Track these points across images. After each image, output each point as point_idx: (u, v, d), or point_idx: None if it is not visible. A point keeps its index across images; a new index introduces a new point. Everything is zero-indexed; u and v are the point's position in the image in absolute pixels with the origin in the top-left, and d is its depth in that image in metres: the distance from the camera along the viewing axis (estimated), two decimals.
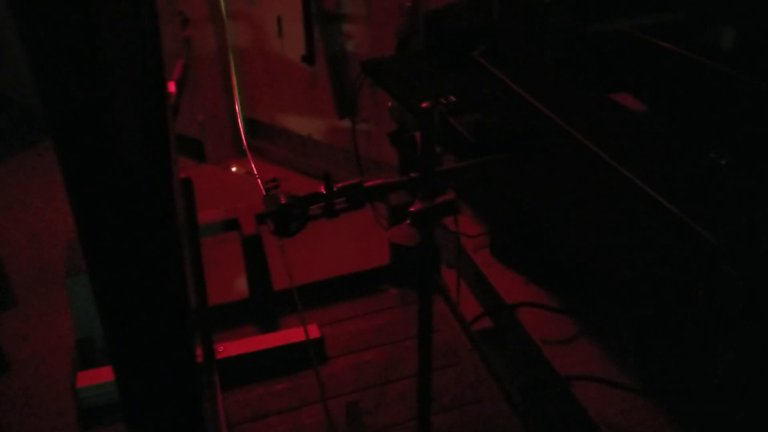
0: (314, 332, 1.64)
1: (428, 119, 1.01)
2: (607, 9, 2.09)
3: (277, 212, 0.99)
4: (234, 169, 1.19)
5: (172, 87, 1.58)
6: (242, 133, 1.54)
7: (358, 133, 3.49)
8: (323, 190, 1.04)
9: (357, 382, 1.55)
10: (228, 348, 1.60)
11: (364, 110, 3.42)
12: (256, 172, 1.16)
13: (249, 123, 3.92)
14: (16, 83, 4.25)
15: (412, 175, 1.07)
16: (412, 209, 1.03)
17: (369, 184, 1.06)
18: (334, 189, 1.04)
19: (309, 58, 3.45)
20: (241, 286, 1.78)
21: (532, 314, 1.55)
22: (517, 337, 1.55)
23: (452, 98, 1.81)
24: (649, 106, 1.92)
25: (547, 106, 1.85)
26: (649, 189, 1.41)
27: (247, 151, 1.23)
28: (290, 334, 1.67)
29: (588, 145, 1.68)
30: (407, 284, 1.76)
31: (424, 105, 1.02)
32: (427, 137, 1.03)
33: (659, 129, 1.77)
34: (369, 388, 1.52)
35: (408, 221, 1.01)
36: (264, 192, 1.06)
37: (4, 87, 4.44)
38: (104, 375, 1.74)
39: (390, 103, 1.40)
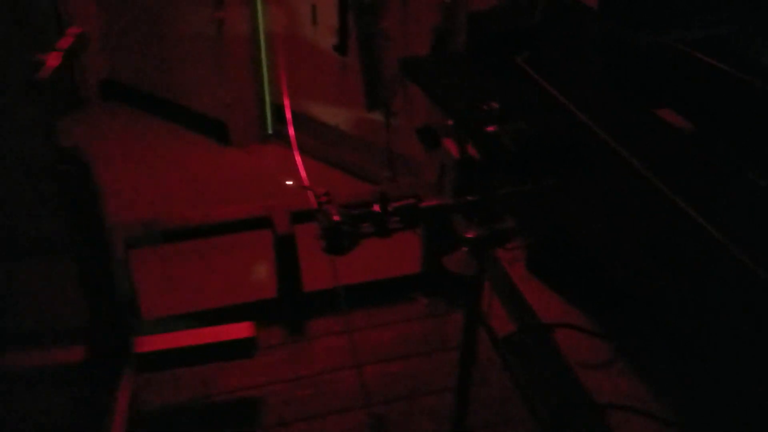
0: (246, 331, 1.58)
1: (493, 143, 0.97)
2: (659, 21, 2.04)
3: (329, 230, 0.96)
4: (289, 183, 1.15)
5: (54, 58, 1.50)
6: (292, 137, 1.49)
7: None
8: (377, 209, 1.01)
9: (384, 393, 1.52)
10: (152, 342, 1.53)
11: (395, 104, 3.38)
12: (306, 183, 1.12)
13: (275, 109, 3.89)
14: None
15: (469, 198, 1.03)
16: (469, 235, 0.99)
17: (424, 204, 1.02)
18: (389, 208, 1.00)
19: (341, 47, 3.40)
20: (269, 285, 1.76)
21: (568, 336, 1.51)
22: (551, 357, 1.52)
23: (495, 104, 1.76)
24: (692, 124, 1.87)
25: (590, 118, 1.80)
26: (692, 211, 1.37)
27: (298, 158, 1.19)
28: (221, 332, 1.59)
29: (632, 162, 1.63)
30: (438, 294, 1.72)
31: (490, 129, 0.97)
32: (488, 160, 0.99)
33: (703, 147, 1.72)
34: (396, 400, 1.49)
35: (464, 248, 0.98)
36: (316, 205, 1.02)
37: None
38: None
39: (450, 122, 1.35)
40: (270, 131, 3.92)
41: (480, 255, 1.02)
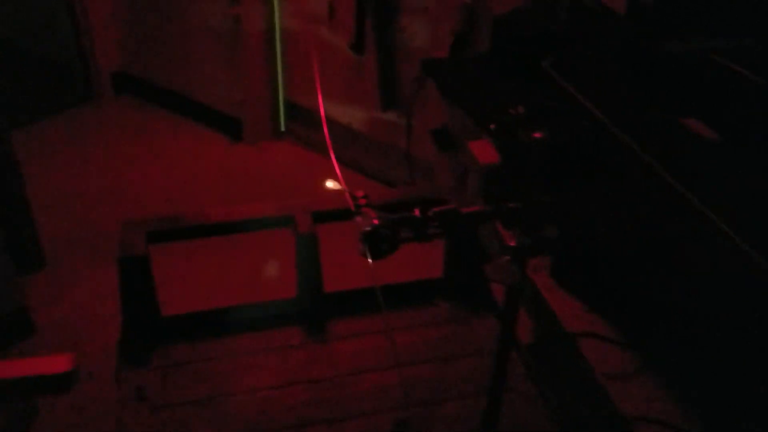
0: (64, 364, 1.42)
1: (538, 149, 0.95)
2: (688, 28, 2.03)
3: (369, 234, 0.94)
4: (329, 184, 1.13)
5: None
6: (329, 144, 1.47)
7: (399, 126, 3.43)
8: (417, 213, 0.99)
9: (405, 398, 1.50)
10: None
11: (406, 103, 3.36)
12: (345, 186, 1.10)
13: (289, 106, 3.87)
14: (56, 44, 4.21)
15: (511, 205, 1.01)
16: (512, 243, 0.97)
17: (465, 210, 1.00)
18: (429, 213, 0.98)
19: (358, 46, 3.39)
20: (289, 284, 1.74)
21: (594, 345, 1.49)
22: (576, 367, 1.50)
23: (521, 109, 1.74)
24: (719, 134, 1.85)
25: (617, 125, 1.79)
26: (720, 222, 1.35)
27: (336, 165, 1.17)
28: (39, 364, 1.47)
29: (660, 171, 1.62)
30: (460, 299, 1.70)
31: (536, 135, 0.96)
32: (532, 166, 0.97)
33: (730, 158, 1.70)
34: (419, 405, 1.47)
35: (506, 257, 0.96)
36: (353, 207, 1.00)
37: (45, 48, 4.41)
38: None
39: (492, 126, 1.32)
40: (283, 128, 3.90)
41: (521, 264, 1.00)
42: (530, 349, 1.55)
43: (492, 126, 1.28)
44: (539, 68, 2.05)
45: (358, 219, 0.98)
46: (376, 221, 0.96)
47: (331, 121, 3.71)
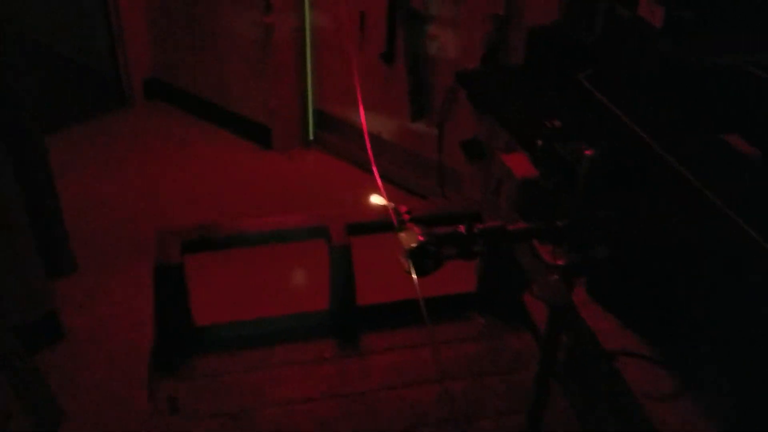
0: None
1: (593, 165, 0.93)
2: (727, 42, 1.99)
3: (415, 250, 0.93)
4: (373, 199, 1.12)
5: None
6: (371, 157, 1.47)
7: (429, 136, 3.42)
8: (463, 230, 0.97)
9: (438, 415, 1.49)
10: None
11: (438, 114, 3.35)
12: (387, 201, 1.08)
13: (318, 115, 3.88)
14: (90, 50, 4.26)
15: (559, 222, 0.99)
16: (560, 262, 0.95)
17: (512, 228, 0.98)
18: (475, 230, 0.97)
19: (388, 56, 3.39)
20: (321, 296, 1.73)
21: (630, 364, 1.46)
22: (613, 386, 1.47)
23: (557, 122, 1.72)
24: (761, 151, 1.82)
25: (656, 141, 1.76)
26: (763, 241, 1.32)
27: (378, 180, 1.16)
28: None
29: (701, 188, 1.59)
30: (494, 314, 1.68)
31: (588, 152, 0.94)
32: (584, 182, 0.96)
33: None
34: (452, 422, 1.45)
35: (554, 275, 0.94)
36: (396, 223, 0.99)
37: (79, 53, 4.46)
38: None
39: (540, 142, 1.30)
40: (311, 137, 3.91)
41: (570, 283, 0.98)
42: (567, 366, 1.52)
43: (539, 142, 1.26)
44: (574, 81, 2.03)
45: (402, 235, 0.97)
46: (421, 237, 0.95)
47: (361, 131, 3.71)
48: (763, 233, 1.33)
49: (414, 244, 0.95)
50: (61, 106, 4.10)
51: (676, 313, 1.52)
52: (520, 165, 1.84)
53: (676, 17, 2.00)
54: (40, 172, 2.68)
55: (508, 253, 1.72)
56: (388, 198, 1.04)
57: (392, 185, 3.56)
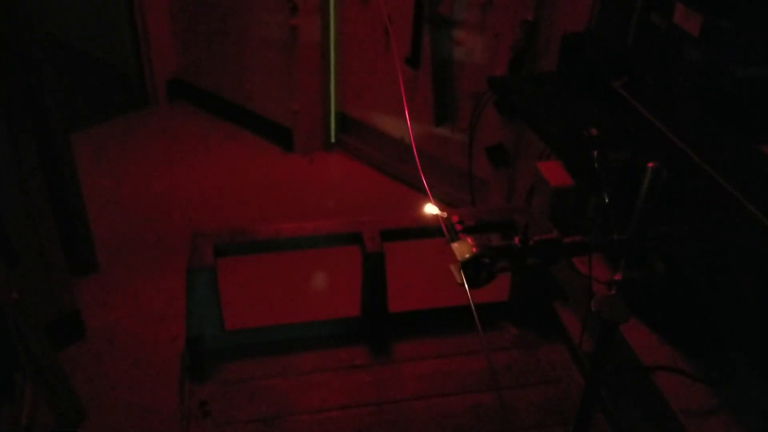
0: None
1: (654, 178, 0.91)
2: (760, 53, 1.97)
3: (469, 261, 0.91)
4: (427, 209, 1.10)
5: None
6: (419, 167, 1.45)
7: (454, 142, 3.40)
8: (517, 242, 0.95)
9: (471, 426, 1.47)
10: None
11: (463, 120, 3.33)
12: (441, 211, 1.06)
13: (340, 118, 3.87)
14: (114, 49, 4.27)
15: (616, 236, 0.97)
16: (617, 278, 0.93)
17: (568, 240, 0.97)
18: (530, 243, 0.95)
19: (414, 61, 3.37)
20: (353, 303, 1.71)
21: (669, 379, 1.44)
22: (651, 401, 1.45)
23: (594, 131, 1.69)
24: None
25: (694, 152, 1.73)
26: None
27: (428, 192, 1.14)
28: None
29: (741, 199, 1.56)
30: (527, 324, 1.66)
31: (651, 165, 0.92)
32: (647, 197, 0.93)
33: None
34: None
35: (612, 291, 0.92)
36: (446, 234, 0.97)
37: (104, 52, 4.47)
38: None
39: (596, 153, 1.28)
40: (333, 139, 3.90)
41: (625, 299, 0.96)
42: (604, 381, 1.50)
43: (596, 153, 1.23)
44: (609, 89, 2.01)
45: (456, 245, 0.95)
46: (475, 249, 0.93)
47: (383, 135, 3.69)
48: None
49: (468, 255, 0.93)
50: (85, 105, 4.11)
51: (715, 327, 1.49)
52: (555, 174, 1.82)
53: (713, 26, 1.97)
54: (64, 170, 2.68)
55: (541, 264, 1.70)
56: (410, 203, 1.02)
57: (414, 189, 3.55)
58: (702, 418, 1.41)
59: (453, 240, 0.97)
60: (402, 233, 1.67)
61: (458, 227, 0.98)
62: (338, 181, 3.69)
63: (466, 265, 0.93)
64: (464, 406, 1.49)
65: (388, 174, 3.70)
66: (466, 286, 0.94)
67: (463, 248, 0.94)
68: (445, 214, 0.98)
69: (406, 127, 3.57)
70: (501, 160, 3.16)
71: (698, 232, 1.30)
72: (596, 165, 1.19)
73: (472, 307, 0.90)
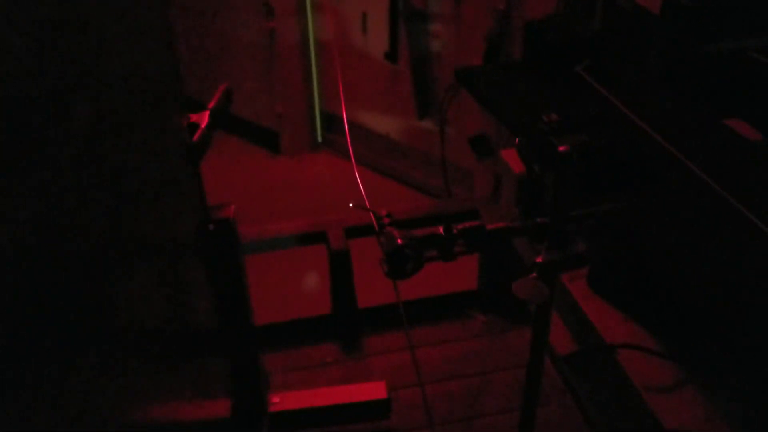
0: (381, 392, 1.49)
1: (567, 162, 0.93)
2: (727, 27, 1.96)
3: (393, 254, 0.93)
4: (362, 206, 1.12)
5: (204, 119, 1.45)
6: (348, 138, 1.47)
7: (436, 134, 3.41)
8: (442, 231, 0.97)
9: (443, 413, 1.49)
10: (284, 400, 1.47)
11: (445, 112, 3.34)
12: (369, 206, 1.09)
13: (326, 117, 3.89)
14: None
15: (539, 220, 0.99)
16: (539, 260, 0.95)
17: (492, 227, 0.98)
18: (454, 231, 0.97)
19: (392, 55, 3.39)
20: (323, 301, 1.74)
21: (633, 357, 1.45)
22: (615, 379, 1.46)
23: (555, 116, 1.70)
24: (763, 134, 1.79)
25: (655, 130, 1.74)
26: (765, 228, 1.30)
27: (360, 183, 1.16)
28: (355, 391, 1.51)
29: (703, 177, 1.57)
30: (496, 311, 1.68)
31: (562, 149, 0.93)
32: (562, 182, 0.95)
33: None
34: (457, 421, 1.45)
35: (533, 273, 0.93)
36: (376, 227, 0.99)
37: None
38: None
39: (517, 140, 1.30)
40: (320, 140, 3.92)
41: (550, 280, 0.98)
42: (568, 360, 1.52)
43: (516, 141, 1.25)
44: (573, 74, 2.01)
45: (382, 239, 0.97)
46: (399, 241, 0.95)
47: (368, 131, 3.71)
48: (765, 219, 1.31)
49: (391, 249, 0.95)
50: None
51: (678, 304, 1.50)
52: (518, 161, 1.84)
53: (673, 2, 1.97)
54: None
55: (509, 248, 1.72)
56: (398, 198, 1.04)
57: (403, 185, 3.56)
58: (665, 393, 1.42)
59: (379, 234, 0.98)
60: (367, 229, 1.69)
61: (386, 221, 1.00)
62: (327, 182, 3.71)
63: (390, 257, 0.95)
64: (434, 394, 1.51)
65: (377, 170, 3.71)
66: (392, 277, 0.96)
67: (387, 241, 0.96)
68: (370, 209, 0.99)
69: (390, 122, 3.58)
70: (484, 149, 3.17)
71: (642, 208, 1.31)
72: (519, 150, 1.20)
73: (399, 299, 0.92)
